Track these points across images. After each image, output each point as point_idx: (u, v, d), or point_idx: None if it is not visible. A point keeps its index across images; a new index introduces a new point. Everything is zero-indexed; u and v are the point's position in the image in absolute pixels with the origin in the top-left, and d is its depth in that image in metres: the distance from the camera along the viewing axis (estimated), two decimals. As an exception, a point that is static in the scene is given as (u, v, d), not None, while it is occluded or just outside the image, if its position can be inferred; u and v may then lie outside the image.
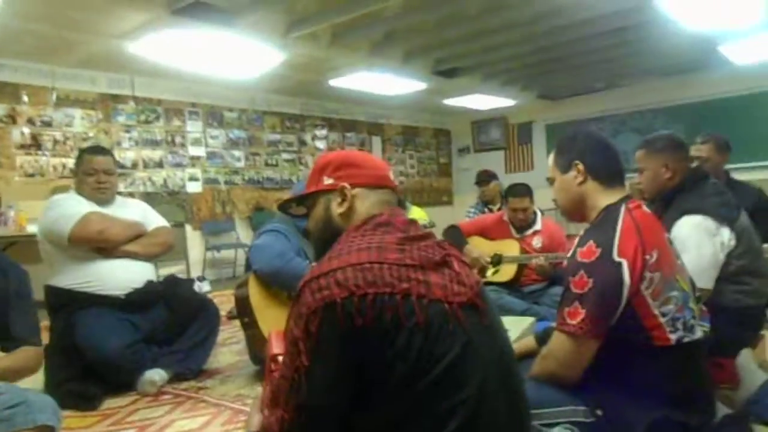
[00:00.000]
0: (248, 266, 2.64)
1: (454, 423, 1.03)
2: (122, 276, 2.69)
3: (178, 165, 6.98)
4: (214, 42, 5.09)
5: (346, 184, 1.26)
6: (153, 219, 2.97)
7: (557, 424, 1.55)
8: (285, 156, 8.27)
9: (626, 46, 6.92)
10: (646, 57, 7.50)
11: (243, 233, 7.52)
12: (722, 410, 1.72)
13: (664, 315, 1.53)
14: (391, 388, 1.03)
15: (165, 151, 6.88)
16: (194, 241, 6.92)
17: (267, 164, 8.01)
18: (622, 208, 1.64)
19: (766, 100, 8.27)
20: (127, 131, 6.52)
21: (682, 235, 2.04)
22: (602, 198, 1.69)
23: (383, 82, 7.11)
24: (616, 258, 1.53)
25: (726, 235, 2.07)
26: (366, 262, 1.08)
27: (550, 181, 1.84)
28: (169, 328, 2.74)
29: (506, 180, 5.43)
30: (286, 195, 8.18)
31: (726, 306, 2.03)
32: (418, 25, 5.85)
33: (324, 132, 8.88)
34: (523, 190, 3.67)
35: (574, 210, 1.77)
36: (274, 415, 1.14)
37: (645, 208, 1.72)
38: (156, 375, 2.54)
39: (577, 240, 1.67)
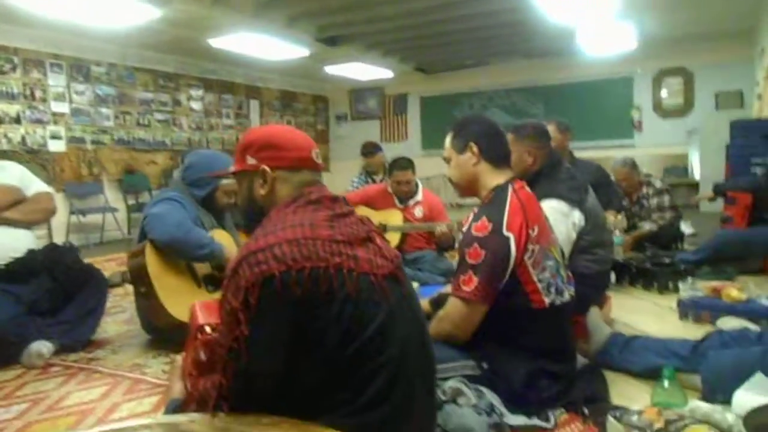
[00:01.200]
0: (142, 235, 2.58)
1: (379, 380, 1.18)
2: (2, 244, 2.52)
3: (39, 121, 6.39)
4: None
5: (266, 168, 1.32)
6: (32, 184, 2.79)
7: (450, 377, 1.77)
8: (158, 116, 7.85)
9: (497, 28, 7.39)
10: (513, 39, 8.06)
11: (112, 196, 7.09)
12: (580, 360, 2.05)
13: (540, 281, 1.80)
14: (325, 351, 1.15)
15: (23, 106, 6.24)
16: (57, 204, 6.40)
17: (139, 124, 7.56)
18: (510, 189, 1.88)
19: (608, 87, 9.26)
20: (-22, 81, 5.84)
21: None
22: (492, 178, 1.91)
23: (265, 46, 6.98)
24: (505, 232, 1.76)
25: (577, 215, 2.41)
26: (301, 237, 1.18)
27: (446, 160, 2.02)
28: (54, 298, 2.60)
29: (384, 148, 5.59)
30: (159, 157, 7.84)
31: (579, 272, 2.29)
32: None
33: (200, 93, 8.53)
34: (406, 164, 3.89)
35: (468, 187, 1.98)
36: (211, 381, 1.22)
37: (527, 189, 1.97)
38: (43, 347, 2.43)
39: (471, 216, 1.88)
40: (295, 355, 1.15)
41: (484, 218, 1.80)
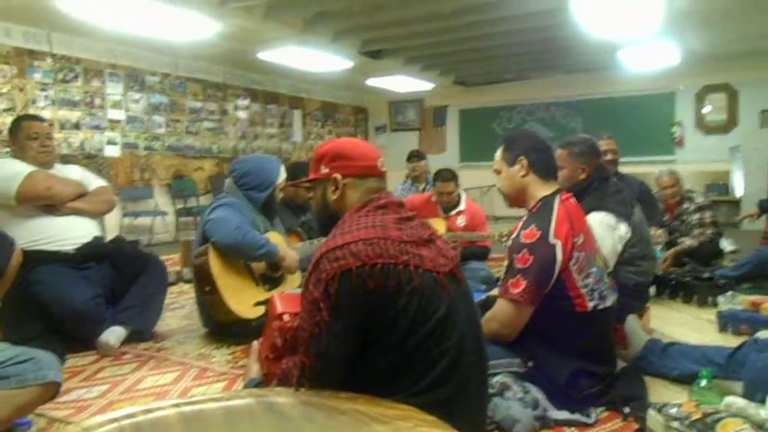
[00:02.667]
0: (203, 239, 2.78)
1: (440, 365, 1.32)
2: (71, 231, 2.75)
3: (97, 128, 6.76)
4: (147, 6, 4.99)
5: (338, 175, 1.50)
6: (92, 180, 3.03)
7: (498, 373, 1.90)
8: (206, 124, 8.19)
9: (537, 44, 7.49)
10: (554, 55, 8.15)
11: (161, 200, 7.42)
12: (620, 364, 2.15)
13: (585, 286, 1.92)
14: (393, 338, 1.30)
15: (83, 113, 6.62)
16: (111, 205, 6.75)
17: (188, 131, 7.90)
18: (557, 199, 2.01)
19: (650, 102, 9.24)
20: (43, 89, 6.22)
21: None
22: (540, 189, 2.05)
23: (312, 58, 7.22)
24: (552, 240, 1.89)
25: (623, 228, 2.52)
26: (374, 237, 1.34)
27: (497, 172, 2.16)
28: (116, 284, 2.84)
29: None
30: (206, 163, 8.15)
31: (621, 283, 2.39)
32: (347, 8, 6.03)
33: (246, 102, 8.85)
34: (449, 175, 4.03)
35: (516, 198, 2.12)
36: (293, 361, 1.39)
37: (573, 200, 2.10)
38: (113, 335, 2.66)
39: (520, 224, 2.02)
40: (368, 340, 1.31)
41: (533, 226, 1.93)
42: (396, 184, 5.49)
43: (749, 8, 5.92)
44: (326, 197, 1.54)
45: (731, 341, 2.68)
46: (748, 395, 1.65)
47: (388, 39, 7.25)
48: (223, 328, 2.82)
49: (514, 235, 2.02)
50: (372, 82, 9.24)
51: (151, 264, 2.97)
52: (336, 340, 1.29)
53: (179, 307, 3.55)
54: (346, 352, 1.31)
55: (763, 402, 1.42)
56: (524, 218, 2.04)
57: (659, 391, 2.07)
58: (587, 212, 2.45)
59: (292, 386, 1.34)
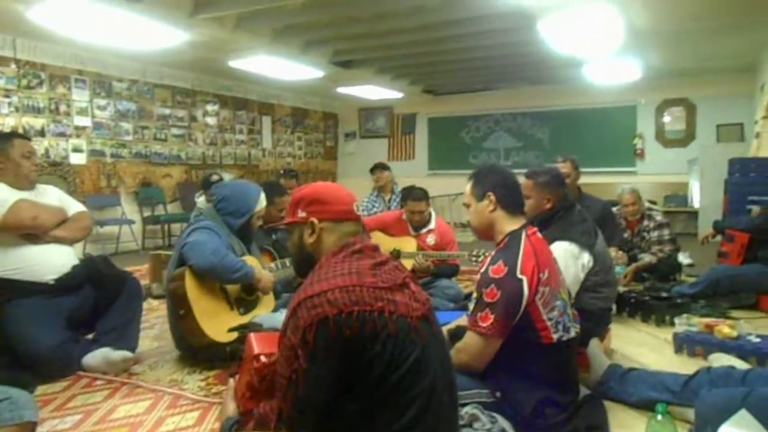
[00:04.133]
0: (180, 261, 2.80)
1: (414, 408, 1.38)
2: (51, 261, 2.74)
3: (62, 135, 6.64)
4: (116, 17, 4.94)
5: (314, 219, 1.56)
6: (71, 204, 3.01)
7: (467, 404, 1.98)
8: (174, 131, 8.11)
9: (505, 57, 7.66)
10: (521, 67, 8.34)
11: (128, 208, 7.32)
12: (582, 391, 2.25)
13: (550, 319, 2.01)
14: (368, 383, 1.36)
15: (48, 120, 6.50)
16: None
17: (156, 138, 7.82)
18: (523, 234, 2.10)
19: (613, 114, 9.53)
20: (7, 96, 6.09)
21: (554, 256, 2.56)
22: (507, 224, 2.13)
23: (282, 67, 7.24)
24: (519, 275, 1.98)
25: (586, 257, 2.63)
26: (350, 285, 1.39)
27: (466, 206, 2.24)
28: (97, 306, 2.85)
29: (392, 167, 5.86)
30: (174, 171, 8.08)
31: (584, 309, 2.50)
32: (316, 21, 6.07)
33: (215, 108, 8.79)
34: (420, 195, 4.10)
35: (485, 231, 2.20)
36: (270, 406, 1.44)
37: (539, 234, 2.19)
38: (126, 354, 2.70)
39: (489, 259, 2.10)
40: (343, 386, 1.36)
41: (501, 262, 2.01)
42: (362, 198, 5.54)
43: (705, 30, 6.17)
44: (303, 240, 1.59)
45: (687, 362, 2.84)
46: (698, 428, 1.77)
47: (358, 50, 7.32)
48: (196, 351, 2.84)
49: (482, 270, 2.10)
50: (342, 89, 9.28)
51: (129, 283, 3.00)
52: (312, 386, 1.33)
53: (149, 327, 3.53)
54: (323, 397, 1.36)
55: (712, 436, 1.53)
56: (492, 253, 2.12)
57: (619, 417, 2.18)
58: (552, 241, 2.55)
59: (270, 431, 1.40)
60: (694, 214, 8.31)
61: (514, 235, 2.10)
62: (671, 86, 8.91)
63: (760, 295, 3.90)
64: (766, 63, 6.67)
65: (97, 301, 2.88)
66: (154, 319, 3.68)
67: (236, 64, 7.04)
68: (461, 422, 1.88)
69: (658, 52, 7.06)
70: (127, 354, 2.73)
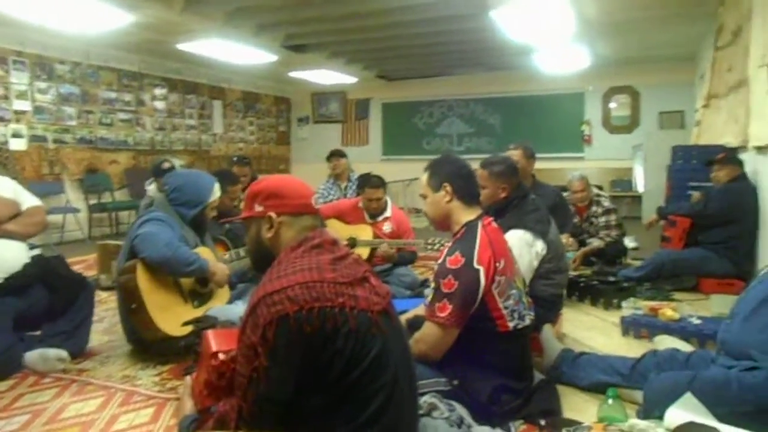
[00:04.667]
0: (130, 254, 2.71)
1: (376, 402, 1.39)
2: (2, 258, 2.61)
3: (0, 119, 6.30)
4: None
5: (272, 213, 1.53)
6: (26, 198, 2.88)
7: (426, 393, 2.01)
8: (121, 116, 7.82)
9: (458, 44, 7.70)
10: (474, 54, 8.40)
11: (73, 196, 7.05)
12: (536, 376, 2.32)
13: (506, 308, 2.06)
14: (330, 378, 1.36)
15: (-17, 104, 6.16)
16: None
17: (101, 123, 7.51)
18: (479, 225, 2.13)
19: (562, 101, 9.74)
20: (-63, 77, 5.74)
21: (509, 245, 2.61)
22: (464, 214, 2.16)
23: (233, 51, 7.07)
24: (476, 265, 2.01)
25: (540, 245, 2.69)
26: (310, 281, 1.38)
27: (423, 197, 2.25)
28: (50, 307, 2.73)
29: (345, 152, 5.83)
30: (121, 156, 7.81)
31: (536, 295, 2.57)
32: (269, 4, 5.93)
33: (164, 92, 8.52)
34: (377, 182, 4.09)
35: (441, 222, 2.22)
36: (230, 404, 1.42)
37: (494, 224, 2.23)
38: (61, 353, 2.59)
39: (446, 250, 2.12)
40: (305, 382, 1.36)
41: (458, 253, 2.04)
42: (319, 185, 5.50)
43: (651, 20, 6.35)
44: (261, 235, 1.56)
45: (633, 345, 2.96)
46: (647, 411, 1.85)
47: (311, 34, 7.21)
48: (149, 345, 2.78)
49: (440, 261, 2.12)
50: (295, 74, 9.15)
51: (84, 287, 2.90)
52: (274, 384, 1.32)
53: (98, 320, 3.41)
54: (284, 394, 1.35)
55: (659, 418, 1.60)
56: (449, 244, 2.14)
57: (571, 401, 2.26)
58: (507, 230, 2.60)
59: (230, 430, 1.38)
60: (638, 199, 8.61)
61: (471, 226, 2.13)
62: (617, 74, 9.16)
63: (700, 278, 4.08)
64: (705, 53, 6.92)
65: (50, 305, 2.76)
66: (104, 312, 3.56)
67: (185, 47, 6.84)
68: (420, 412, 1.91)
69: (606, 40, 7.23)
70: (61, 353, 2.61)
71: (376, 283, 1.54)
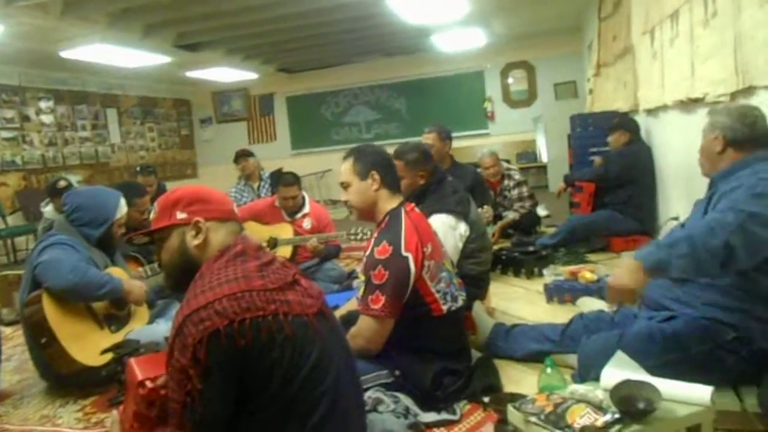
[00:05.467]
0: (34, 284, 2.49)
1: (322, 407, 1.35)
2: None
3: None
4: None
5: (200, 219, 1.44)
6: None
7: (370, 388, 1.99)
8: (4, 134, 7.20)
9: (356, 31, 7.67)
10: (373, 39, 8.40)
11: (-43, 226, 6.45)
12: (474, 354, 2.35)
13: (438, 291, 2.07)
14: (271, 390, 1.30)
15: None
16: None
17: (-18, 145, 6.91)
18: (402, 212, 2.12)
19: (463, 80, 9.97)
20: None
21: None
22: (389, 203, 2.14)
23: (122, 55, 6.68)
24: (404, 253, 2.00)
25: (463, 227, 2.73)
26: (238, 291, 1.31)
27: (345, 185, 2.18)
28: None
29: (252, 151, 5.65)
30: (10, 178, 7.22)
31: (464, 275, 2.57)
32: (156, 2, 5.65)
33: (50, 104, 7.92)
34: (292, 179, 4.00)
35: (367, 211, 2.18)
36: (166, 433, 1.33)
37: (417, 210, 2.23)
38: None
39: (373, 241, 2.10)
40: (245, 398, 1.29)
41: (385, 242, 2.02)
42: (229, 187, 5.33)
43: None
44: (185, 244, 1.45)
45: (558, 310, 3.08)
46: (582, 374, 1.92)
47: (203, 32, 6.95)
48: (67, 379, 2.57)
49: (367, 252, 2.10)
50: (192, 74, 8.79)
51: None
52: (210, 405, 1.25)
53: (5, 359, 3.13)
54: (222, 414, 1.28)
55: (597, 380, 1.66)
56: (375, 234, 2.12)
57: (509, 374, 2.31)
58: (429, 215, 2.60)
59: (170, 460, 1.30)
60: (543, 168, 9.00)
61: (394, 214, 2.12)
62: (513, 50, 9.47)
63: (610, 238, 4.31)
64: (590, 24, 7.29)
65: None
66: (10, 350, 3.27)
67: (69, 54, 6.37)
68: (366, 407, 1.89)
69: (499, 18, 7.44)
70: None
71: (307, 285, 1.49)
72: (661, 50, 3.67)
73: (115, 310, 2.70)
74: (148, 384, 1.55)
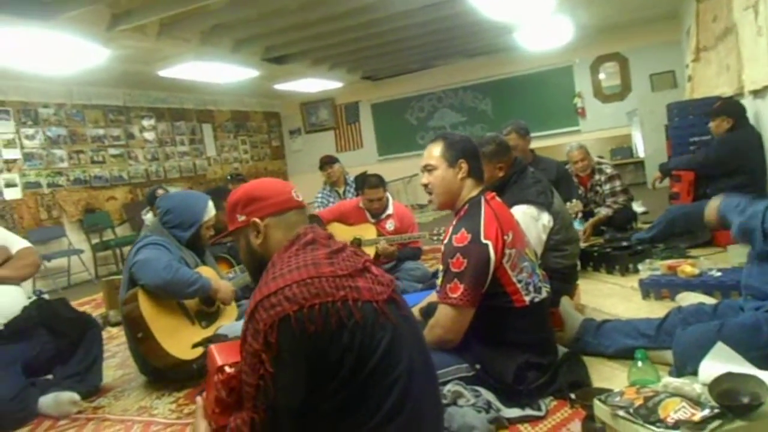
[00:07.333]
0: (131, 282, 2.65)
1: (393, 396, 1.31)
2: (1, 304, 2.56)
3: (-9, 171, 6.29)
4: (31, 38, 4.68)
5: (256, 219, 1.46)
6: (15, 241, 2.83)
7: (449, 381, 1.93)
8: (112, 151, 7.79)
9: (437, 33, 7.61)
10: (454, 41, 8.32)
11: (75, 238, 7.01)
12: (560, 350, 2.23)
13: (519, 281, 1.98)
14: (343, 376, 1.28)
15: (-28, 157, 6.14)
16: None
17: (93, 161, 7.48)
18: (482, 200, 2.05)
19: (550, 77, 9.64)
20: None
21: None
22: (471, 193, 2.08)
23: (214, 71, 7.03)
24: (483, 240, 1.93)
25: (546, 218, 2.61)
26: (307, 277, 1.30)
27: (430, 168, 2.09)
28: (58, 350, 2.66)
29: (339, 159, 5.74)
30: (118, 192, 7.77)
31: (550, 269, 2.48)
32: (245, 17, 5.89)
33: (152, 122, 8.49)
34: (377, 182, 4.01)
35: (449, 199, 2.11)
36: (241, 418, 1.34)
37: (498, 199, 2.15)
38: (74, 396, 2.51)
39: (451, 229, 2.05)
40: (316, 384, 1.28)
41: (463, 230, 1.97)
42: (316, 193, 5.44)
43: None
44: (251, 245, 1.48)
45: (656, 306, 2.87)
46: (679, 369, 1.77)
47: (289, 44, 7.16)
48: (162, 373, 2.71)
49: (446, 241, 2.05)
50: (281, 86, 9.10)
51: (90, 327, 2.82)
52: (283, 390, 1.25)
53: (110, 356, 3.36)
54: (295, 400, 1.27)
55: (693, 374, 1.52)
56: (453, 223, 2.07)
57: (599, 370, 2.17)
58: (510, 206, 2.51)
59: (246, 444, 1.30)
60: (640, 164, 8.50)
61: (474, 202, 2.06)
62: (603, 42, 9.06)
63: (714, 231, 3.98)
64: (688, 8, 6.83)
65: (58, 348, 2.69)
66: (115, 348, 3.51)
67: (166, 73, 6.79)
68: (445, 401, 1.84)
69: (587, 9, 7.14)
70: (74, 396, 2.53)
71: (378, 273, 1.46)
72: (767, 24, 3.36)
73: (205, 308, 2.81)
74: (227, 369, 1.58)
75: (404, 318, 1.45)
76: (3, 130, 6.46)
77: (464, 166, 2.05)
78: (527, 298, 1.98)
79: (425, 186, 2.14)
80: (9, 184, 6.44)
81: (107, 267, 7.36)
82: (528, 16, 6.78)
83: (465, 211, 2.05)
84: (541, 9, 6.40)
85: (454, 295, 1.92)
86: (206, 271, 2.82)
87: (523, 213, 2.52)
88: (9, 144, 6.50)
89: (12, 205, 6.45)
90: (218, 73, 7.16)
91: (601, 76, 9.42)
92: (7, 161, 6.47)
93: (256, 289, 1.36)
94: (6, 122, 6.49)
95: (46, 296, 2.97)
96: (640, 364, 1.69)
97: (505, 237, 1.96)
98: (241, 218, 1.48)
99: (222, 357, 1.62)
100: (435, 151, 2.09)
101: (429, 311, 2.14)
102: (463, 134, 2.23)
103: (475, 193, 2.07)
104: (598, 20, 7.89)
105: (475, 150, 2.12)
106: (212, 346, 1.67)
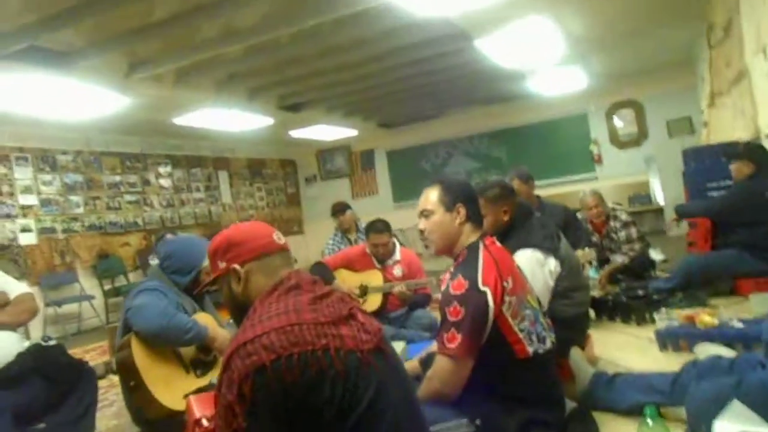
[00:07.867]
0: (126, 329, 2.59)
1: (377, 454, 1.22)
2: None
3: (7, 216, 6.35)
4: (50, 86, 4.80)
5: (236, 266, 1.42)
6: (14, 286, 2.80)
7: (446, 438, 1.81)
8: (128, 198, 7.87)
9: (451, 81, 7.67)
10: (469, 89, 8.37)
11: (87, 283, 7.01)
12: (568, 404, 2.10)
13: (522, 330, 1.87)
14: (322, 430, 1.20)
15: (-10, 202, 6.23)
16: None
17: (109, 207, 7.56)
18: (481, 245, 1.97)
19: (566, 124, 9.63)
20: (-58, 181, 5.82)
21: (521, 266, 2.44)
22: (470, 238, 2.00)
23: (230, 118, 7.13)
24: (481, 287, 1.84)
25: (552, 263, 2.51)
26: (287, 324, 1.23)
27: (427, 213, 2.05)
28: (49, 398, 2.58)
29: (354, 205, 5.72)
30: (132, 238, 7.81)
31: (558, 317, 2.36)
32: (260, 66, 5.99)
33: (168, 169, 8.60)
34: (382, 227, 3.95)
35: (447, 244, 2.04)
36: (216, 473, 1.25)
37: (497, 243, 2.06)
38: None
39: (448, 276, 1.96)
40: (293, 438, 1.19)
41: (460, 277, 1.88)
42: (327, 239, 5.39)
43: (640, 31, 6.29)
44: (233, 291, 1.44)
45: (673, 358, 2.72)
46: (692, 427, 1.63)
47: (304, 92, 7.26)
48: (156, 426, 2.60)
49: (443, 288, 1.96)
50: (296, 133, 9.20)
51: (83, 372, 2.75)
52: None
53: (108, 404, 3.28)
54: None
55: (709, 433, 1.39)
56: (451, 269, 1.98)
57: (610, 426, 2.04)
58: (515, 251, 2.43)
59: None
60: (659, 212, 8.35)
61: (472, 248, 1.98)
62: (617, 89, 9.05)
63: (736, 279, 3.82)
64: (701, 54, 6.81)
65: (50, 396, 2.61)
66: (114, 396, 3.42)
67: (182, 120, 6.91)
68: (443, 459, 1.71)
69: (600, 57, 7.17)
70: None
71: (364, 320, 1.39)
72: (779, 67, 3.30)
73: (202, 356, 2.72)
74: (204, 423, 1.51)
75: (392, 369, 1.36)
76: (21, 176, 6.57)
77: (462, 210, 1.99)
78: (530, 349, 1.87)
79: (421, 232, 2.08)
80: (24, 230, 6.50)
81: (118, 313, 7.32)
82: (540, 65, 6.82)
83: (463, 257, 1.97)
84: (550, 59, 6.45)
85: (452, 346, 1.82)
86: (204, 318, 2.74)
87: (527, 258, 2.43)
88: (26, 190, 6.59)
89: (26, 251, 6.49)
90: (234, 120, 7.26)
91: (617, 122, 9.38)
92: (23, 207, 6.54)
93: (234, 336, 1.30)
94: (25, 168, 6.61)
95: (53, 342, 2.90)
96: (650, 421, 1.56)
97: (505, 283, 1.87)
98: (222, 265, 1.45)
99: (200, 409, 1.55)
100: (432, 196, 2.04)
101: (428, 362, 2.04)
102: (461, 178, 2.18)
103: (473, 238, 1.99)
104: (611, 68, 7.91)
105: (473, 194, 2.06)
106: (191, 397, 1.60)
